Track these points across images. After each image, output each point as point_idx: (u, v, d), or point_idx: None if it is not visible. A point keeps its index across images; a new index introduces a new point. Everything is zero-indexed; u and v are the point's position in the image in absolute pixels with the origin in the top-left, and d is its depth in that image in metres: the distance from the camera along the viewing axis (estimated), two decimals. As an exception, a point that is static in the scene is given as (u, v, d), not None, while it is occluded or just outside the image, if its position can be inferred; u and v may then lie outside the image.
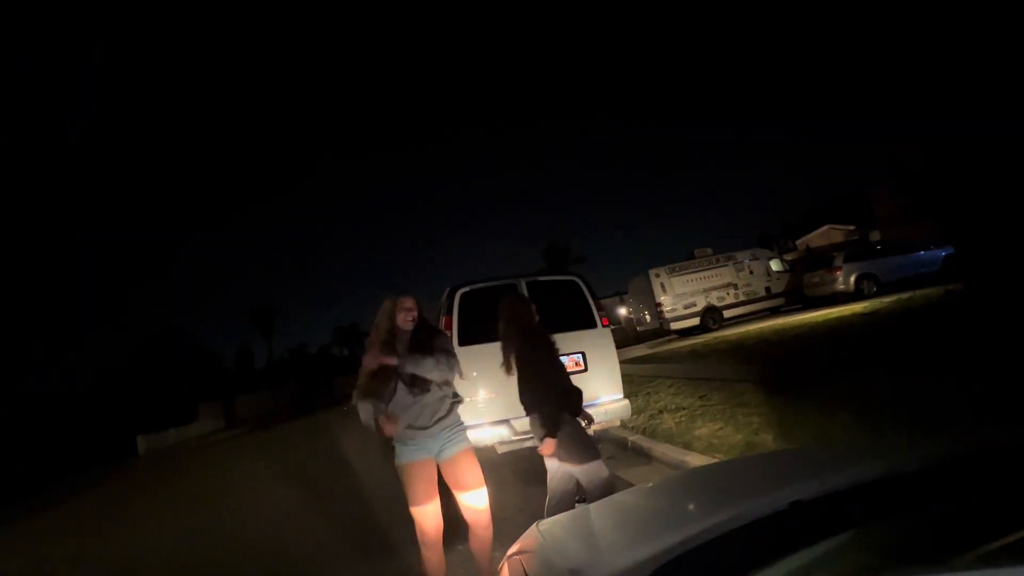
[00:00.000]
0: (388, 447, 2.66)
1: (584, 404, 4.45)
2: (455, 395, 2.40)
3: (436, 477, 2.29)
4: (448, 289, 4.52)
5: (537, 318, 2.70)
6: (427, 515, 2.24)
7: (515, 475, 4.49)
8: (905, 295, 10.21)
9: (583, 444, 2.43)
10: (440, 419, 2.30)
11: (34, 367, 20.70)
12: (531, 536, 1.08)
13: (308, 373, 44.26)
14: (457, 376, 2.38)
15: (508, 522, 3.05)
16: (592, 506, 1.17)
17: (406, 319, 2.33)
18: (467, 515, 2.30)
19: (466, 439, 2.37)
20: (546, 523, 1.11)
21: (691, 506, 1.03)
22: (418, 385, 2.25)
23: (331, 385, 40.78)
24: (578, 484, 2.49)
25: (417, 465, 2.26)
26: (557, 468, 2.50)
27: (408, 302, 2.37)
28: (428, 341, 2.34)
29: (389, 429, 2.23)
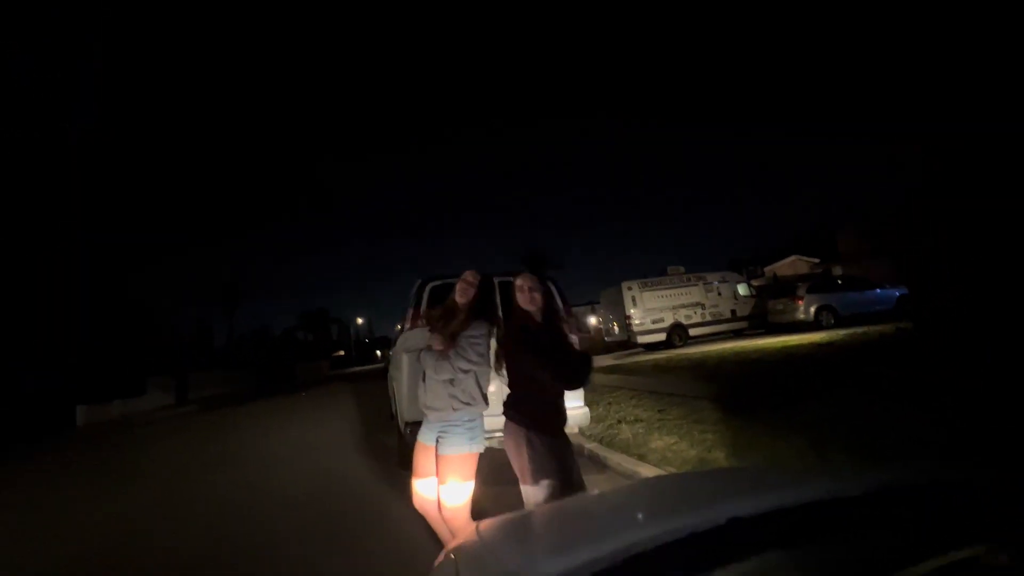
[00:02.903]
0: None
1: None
2: (469, 396, 2.19)
3: (433, 460, 2.23)
4: (419, 281, 4.44)
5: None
6: (414, 488, 2.27)
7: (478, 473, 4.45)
8: (860, 329, 10.69)
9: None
10: (436, 409, 2.20)
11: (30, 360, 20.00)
12: (470, 535, 1.05)
13: (270, 356, 43.04)
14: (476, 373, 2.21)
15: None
16: (535, 511, 1.15)
17: (460, 292, 2.32)
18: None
19: (457, 443, 2.15)
20: (486, 523, 1.08)
21: (633, 516, 1.02)
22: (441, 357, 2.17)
23: (293, 370, 39.73)
24: None
25: (420, 445, 2.28)
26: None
27: (468, 274, 2.36)
28: (462, 325, 2.23)
29: (437, 343, 2.19)
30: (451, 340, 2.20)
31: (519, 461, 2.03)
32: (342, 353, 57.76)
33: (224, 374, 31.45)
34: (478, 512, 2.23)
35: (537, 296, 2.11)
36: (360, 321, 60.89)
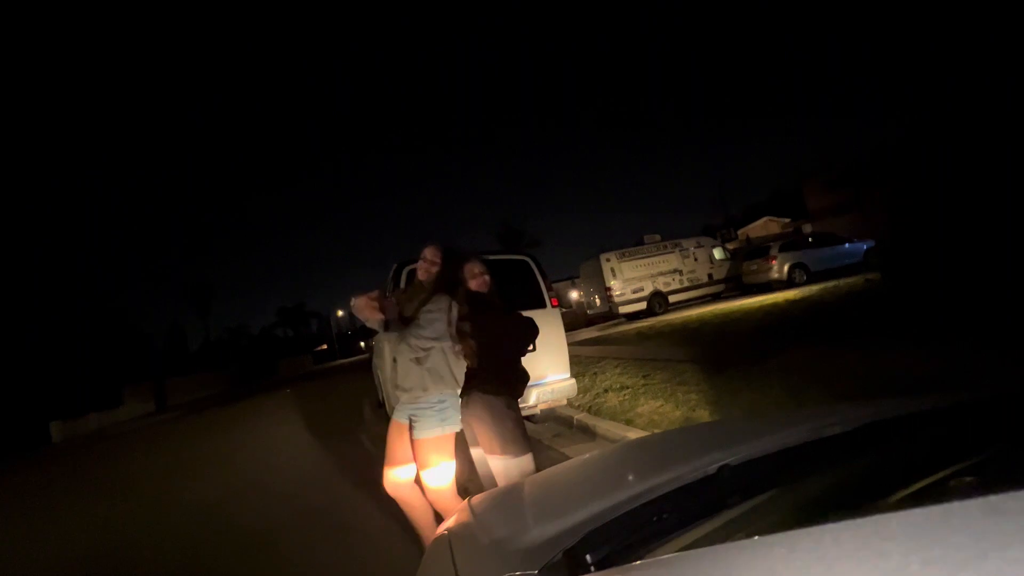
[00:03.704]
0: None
1: (532, 383, 4.48)
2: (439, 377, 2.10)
3: (407, 443, 2.16)
4: (395, 265, 4.36)
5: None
6: (386, 474, 2.19)
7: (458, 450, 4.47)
8: (831, 284, 11.02)
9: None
10: (406, 389, 2.11)
11: None
12: (462, 512, 1.04)
13: (250, 354, 42.25)
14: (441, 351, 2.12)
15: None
16: (525, 480, 1.14)
17: (422, 270, 2.25)
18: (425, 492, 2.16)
19: (429, 425, 2.06)
20: (478, 498, 1.06)
21: (623, 474, 1.02)
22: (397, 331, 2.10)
23: (275, 367, 39.15)
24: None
25: (393, 424, 2.20)
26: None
27: (427, 252, 2.26)
28: (424, 302, 2.15)
29: (366, 309, 2.10)
30: (406, 318, 2.14)
31: (498, 432, 2.06)
32: (324, 347, 57.08)
33: (204, 376, 30.82)
34: (463, 489, 2.18)
35: (487, 279, 2.35)
36: (340, 313, 59.96)
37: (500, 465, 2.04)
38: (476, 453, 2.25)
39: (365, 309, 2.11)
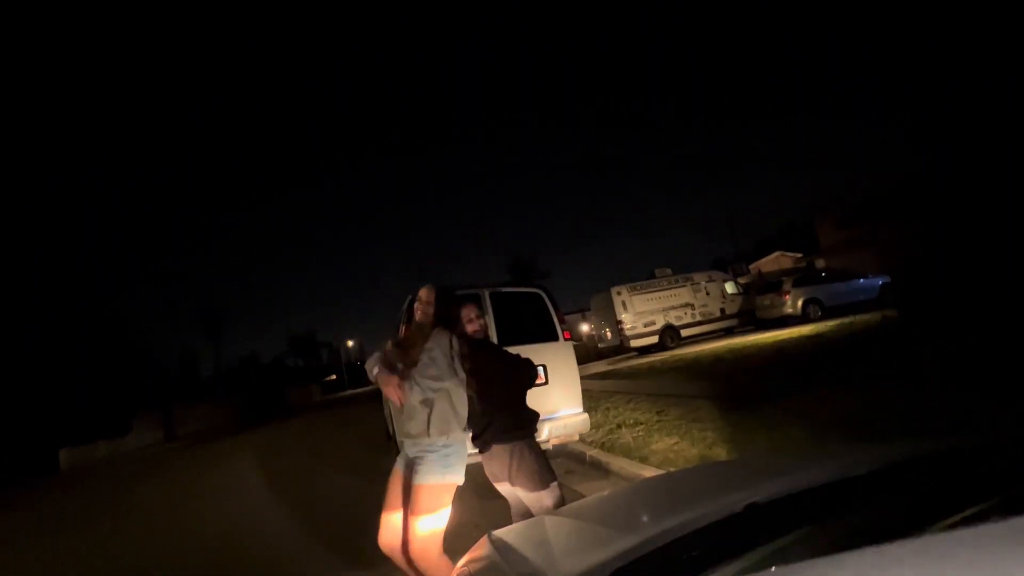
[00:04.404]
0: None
1: (544, 417, 4.42)
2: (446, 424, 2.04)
3: (400, 490, 2.10)
4: (409, 297, 4.42)
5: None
6: (383, 523, 2.10)
7: (474, 487, 4.38)
8: (847, 319, 10.85)
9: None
10: (410, 435, 2.05)
11: None
12: (482, 547, 1.03)
13: (260, 383, 42.20)
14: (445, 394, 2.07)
15: (463, 536, 2.95)
16: (545, 517, 1.13)
17: (418, 311, 2.22)
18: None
19: (430, 471, 1.99)
20: (498, 533, 1.06)
21: (649, 511, 1.01)
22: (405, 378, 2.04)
23: (285, 397, 39.01)
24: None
25: (394, 473, 2.15)
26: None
27: (421, 293, 2.24)
28: (420, 343, 2.10)
29: (389, 388, 2.02)
30: (411, 362, 2.10)
31: (522, 472, 2.09)
32: (333, 377, 56.98)
33: (213, 404, 30.77)
34: (450, 549, 1.98)
35: (481, 322, 2.44)
36: (351, 344, 60.01)
37: (534, 498, 2.08)
38: (502, 488, 2.24)
39: (387, 388, 2.06)
